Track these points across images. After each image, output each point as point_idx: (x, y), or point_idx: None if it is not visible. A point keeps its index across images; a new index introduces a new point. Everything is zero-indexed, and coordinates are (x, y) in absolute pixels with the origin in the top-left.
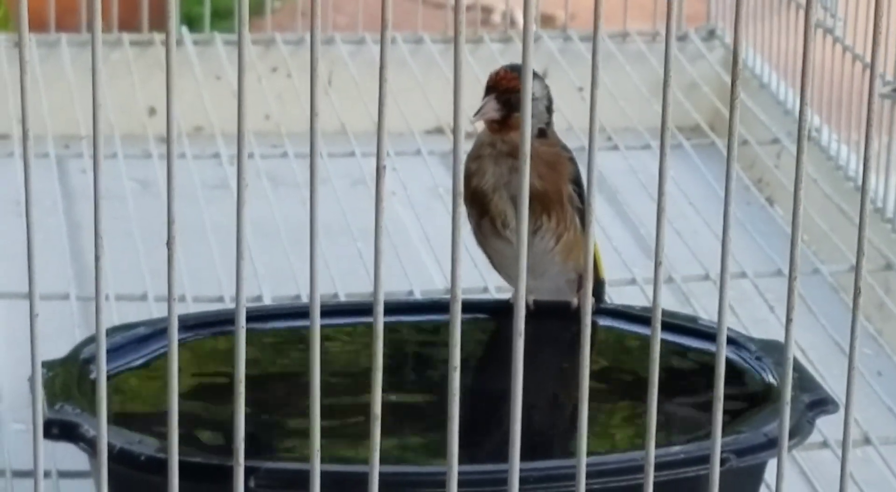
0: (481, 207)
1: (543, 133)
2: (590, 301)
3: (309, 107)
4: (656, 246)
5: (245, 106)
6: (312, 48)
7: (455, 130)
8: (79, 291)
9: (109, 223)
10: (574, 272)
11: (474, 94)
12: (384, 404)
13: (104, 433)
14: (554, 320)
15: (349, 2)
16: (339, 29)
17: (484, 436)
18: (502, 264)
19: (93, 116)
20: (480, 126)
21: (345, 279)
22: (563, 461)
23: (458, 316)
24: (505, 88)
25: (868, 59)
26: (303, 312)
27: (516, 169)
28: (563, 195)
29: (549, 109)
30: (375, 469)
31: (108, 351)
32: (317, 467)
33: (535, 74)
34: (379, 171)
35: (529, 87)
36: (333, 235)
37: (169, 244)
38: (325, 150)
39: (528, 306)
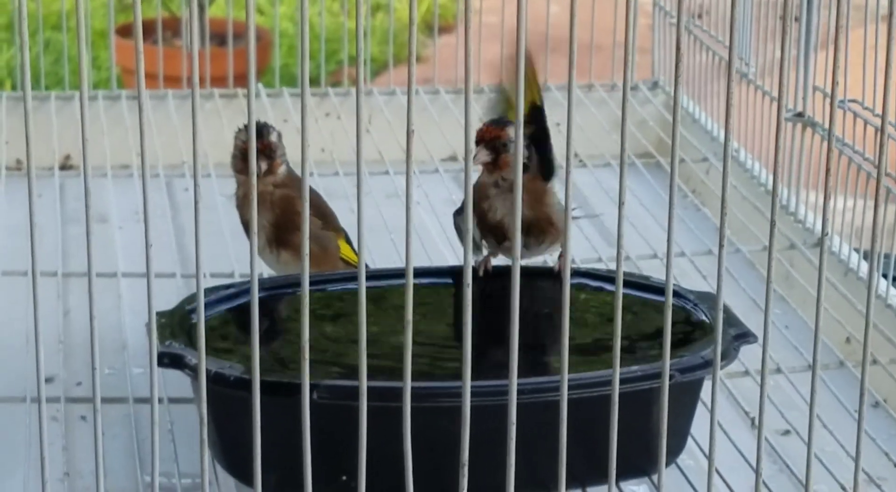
0: (496, 233)
1: (526, 167)
2: (569, 266)
3: (354, 141)
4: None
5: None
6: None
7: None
8: (182, 271)
9: (204, 224)
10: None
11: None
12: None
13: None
14: (543, 278)
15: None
16: (376, 84)
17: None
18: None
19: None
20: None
21: (383, 262)
22: (551, 377)
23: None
24: (490, 138)
25: (775, 94)
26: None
27: None
28: (550, 217)
29: (528, 147)
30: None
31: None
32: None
33: (511, 123)
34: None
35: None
36: (373, 232)
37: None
38: (366, 171)
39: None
